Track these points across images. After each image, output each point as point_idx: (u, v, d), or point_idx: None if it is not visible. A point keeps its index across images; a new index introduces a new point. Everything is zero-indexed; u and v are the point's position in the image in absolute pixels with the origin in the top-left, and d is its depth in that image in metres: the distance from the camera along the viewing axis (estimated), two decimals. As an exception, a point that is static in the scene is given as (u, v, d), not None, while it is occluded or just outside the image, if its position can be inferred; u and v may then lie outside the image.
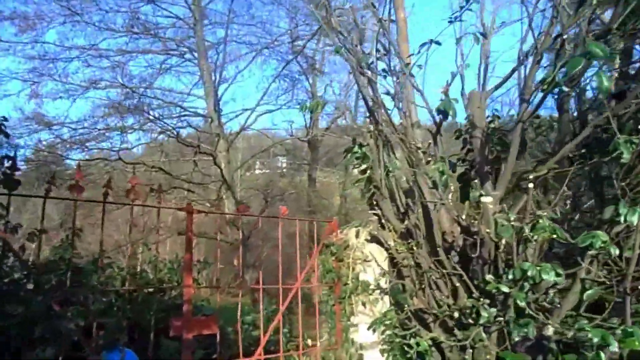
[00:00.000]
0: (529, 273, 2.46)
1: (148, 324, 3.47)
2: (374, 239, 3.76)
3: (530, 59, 3.08)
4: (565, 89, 2.58)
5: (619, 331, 2.35)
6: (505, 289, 2.58)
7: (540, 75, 2.94)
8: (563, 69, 2.52)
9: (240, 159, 17.13)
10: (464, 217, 3.24)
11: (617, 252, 2.41)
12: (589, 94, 3.48)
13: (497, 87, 3.54)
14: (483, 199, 2.80)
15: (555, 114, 3.71)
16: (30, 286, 2.83)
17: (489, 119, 3.77)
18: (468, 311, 2.90)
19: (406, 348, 3.17)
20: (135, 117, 13.23)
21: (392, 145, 3.64)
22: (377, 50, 3.35)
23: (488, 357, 2.75)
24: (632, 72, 3.15)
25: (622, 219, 2.33)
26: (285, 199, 15.88)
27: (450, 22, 3.28)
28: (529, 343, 2.83)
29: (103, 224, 3.02)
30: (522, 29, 3.16)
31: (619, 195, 2.52)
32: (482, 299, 2.78)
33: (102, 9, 12.70)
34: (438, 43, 3.23)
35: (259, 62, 18.22)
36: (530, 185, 2.49)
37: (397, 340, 3.26)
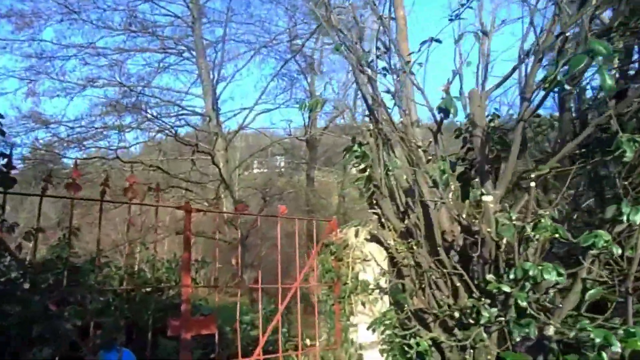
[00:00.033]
0: (531, 273, 2.45)
1: (146, 324, 3.44)
2: (374, 238, 3.74)
3: (531, 58, 3.07)
4: (567, 87, 2.55)
5: (621, 331, 2.33)
6: (506, 289, 2.56)
7: (540, 74, 2.93)
8: (564, 68, 2.51)
9: (238, 158, 17.06)
10: (464, 216, 3.22)
11: (619, 251, 2.39)
12: (588, 93, 3.48)
13: (497, 86, 3.52)
14: (484, 198, 2.78)
15: (554, 114, 3.71)
16: (26, 285, 2.80)
17: (489, 118, 3.75)
18: (469, 311, 2.88)
19: (406, 348, 3.15)
20: (133, 115, 13.20)
21: (391, 144, 3.62)
22: (377, 48, 3.33)
23: (489, 357, 2.73)
24: (632, 72, 3.14)
25: (624, 218, 2.31)
26: (284, 198, 15.86)
27: (451, 20, 3.26)
28: (530, 343, 2.82)
29: (100, 223, 2.99)
30: (523, 27, 3.15)
31: (621, 194, 2.50)
32: (483, 299, 2.76)
33: (99, 7, 12.66)
34: (439, 41, 3.21)
35: (257, 61, 18.21)
36: (532, 184, 2.47)
37: (397, 340, 3.24)
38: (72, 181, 2.69)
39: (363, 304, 3.69)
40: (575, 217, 3.36)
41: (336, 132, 15.62)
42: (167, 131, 13.53)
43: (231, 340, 5.11)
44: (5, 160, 2.43)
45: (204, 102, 13.51)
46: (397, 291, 3.47)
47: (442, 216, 3.44)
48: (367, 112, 3.85)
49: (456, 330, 3.11)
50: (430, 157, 3.35)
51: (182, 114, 13.98)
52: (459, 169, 3.76)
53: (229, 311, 5.10)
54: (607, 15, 3.17)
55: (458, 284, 3.03)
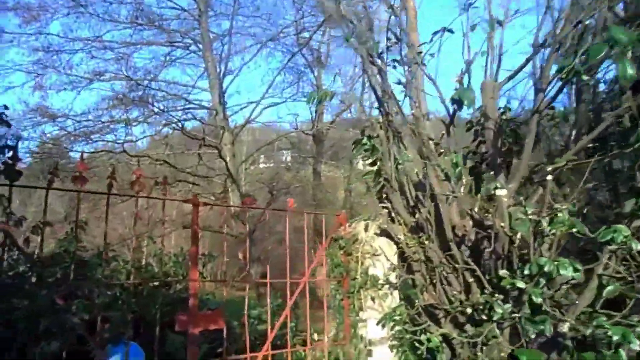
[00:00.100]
0: (546, 268, 2.39)
1: (153, 318, 3.41)
2: (384, 233, 3.69)
3: (545, 49, 2.99)
4: (584, 77, 2.47)
5: (639, 329, 2.27)
6: (521, 285, 2.50)
7: (554, 65, 2.85)
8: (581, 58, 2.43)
9: (245, 152, 17.03)
10: (476, 210, 3.16)
11: (639, 247, 2.33)
12: (601, 85, 3.40)
13: (510, 78, 3.45)
14: (498, 192, 2.71)
15: (567, 107, 3.63)
16: (34, 279, 2.78)
17: (501, 110, 3.68)
18: (481, 307, 2.82)
19: (416, 344, 3.11)
20: (139, 109, 13.16)
21: (401, 137, 3.56)
22: (388, 39, 3.26)
23: (502, 354, 2.67)
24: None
25: (645, 212, 2.24)
26: (291, 192, 15.81)
27: (464, 9, 3.19)
28: (542, 340, 2.76)
29: (107, 216, 2.95)
30: (537, 18, 3.07)
31: (640, 188, 2.43)
32: (496, 295, 2.70)
33: (106, 0, 12.59)
34: (451, 31, 3.14)
35: (264, 55, 18.12)
36: (549, 177, 2.41)
37: (407, 336, 3.20)
38: (78, 174, 2.65)
39: (372, 299, 3.64)
40: (586, 211, 3.29)
41: (343, 126, 15.51)
42: (173, 125, 13.49)
43: (238, 335, 5.08)
44: (11, 152, 2.40)
45: (210, 96, 13.45)
46: (407, 286, 3.42)
47: (453, 210, 3.38)
48: (376, 105, 3.79)
49: (467, 327, 3.06)
50: (442, 151, 3.29)
51: (188, 108, 13.92)
52: (470, 162, 3.70)
53: (236, 305, 5.07)
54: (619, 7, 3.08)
55: (471, 280, 2.97)
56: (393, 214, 3.56)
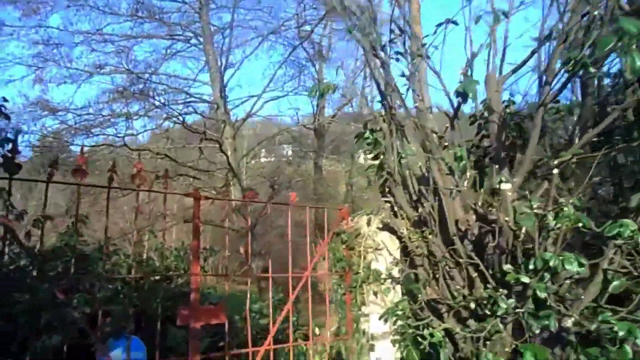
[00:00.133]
0: (551, 263, 2.37)
1: (155, 312, 3.40)
2: (386, 227, 3.66)
3: (550, 42, 2.94)
4: (592, 70, 2.43)
5: (645, 324, 2.25)
6: (525, 280, 2.48)
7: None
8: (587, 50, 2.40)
9: (246, 146, 16.99)
10: (479, 204, 3.13)
11: (645, 242, 2.30)
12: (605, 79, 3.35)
13: (514, 71, 3.40)
14: (503, 186, 2.68)
15: (572, 101, 3.59)
16: (34, 273, 2.77)
17: (505, 104, 3.65)
18: (485, 302, 2.80)
19: (419, 339, 3.09)
20: (140, 103, 13.12)
21: (404, 131, 3.52)
22: (391, 31, 3.22)
23: (506, 349, 2.65)
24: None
25: (652, 206, 2.21)
26: (292, 186, 15.79)
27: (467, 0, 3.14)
28: (546, 335, 2.74)
29: (108, 210, 2.93)
30: (543, 10, 3.02)
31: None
32: (500, 290, 2.68)
33: (106, -7, 12.54)
34: (455, 23, 3.10)
35: (265, 48, 18.01)
36: (555, 171, 2.37)
37: (410, 330, 3.18)
38: (78, 167, 2.63)
39: (375, 293, 3.62)
40: (590, 206, 3.26)
41: (344, 120, 15.45)
42: (174, 119, 13.45)
43: (240, 329, 5.07)
44: (10, 145, 2.37)
45: (211, 90, 13.39)
46: (409, 281, 3.40)
47: (456, 205, 3.35)
48: (378, 98, 3.75)
49: (470, 321, 3.04)
50: (446, 144, 3.25)
51: (189, 102, 13.86)
52: (472, 157, 3.67)
53: (237, 300, 5.06)
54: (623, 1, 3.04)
55: (474, 275, 2.95)
56: (396, 208, 3.54)
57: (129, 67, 12.78)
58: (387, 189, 3.60)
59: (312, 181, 16.56)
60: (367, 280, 3.64)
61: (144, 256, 4.61)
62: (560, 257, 2.36)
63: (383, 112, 3.60)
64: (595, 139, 2.90)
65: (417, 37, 3.11)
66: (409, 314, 3.27)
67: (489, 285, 2.82)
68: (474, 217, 3.20)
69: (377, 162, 3.65)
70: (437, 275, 3.22)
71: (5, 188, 2.52)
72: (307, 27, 14.18)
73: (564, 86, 2.71)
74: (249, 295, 3.45)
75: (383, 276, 3.61)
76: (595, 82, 3.22)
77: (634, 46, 2.02)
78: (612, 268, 2.57)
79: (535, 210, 2.45)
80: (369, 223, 3.73)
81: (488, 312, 2.77)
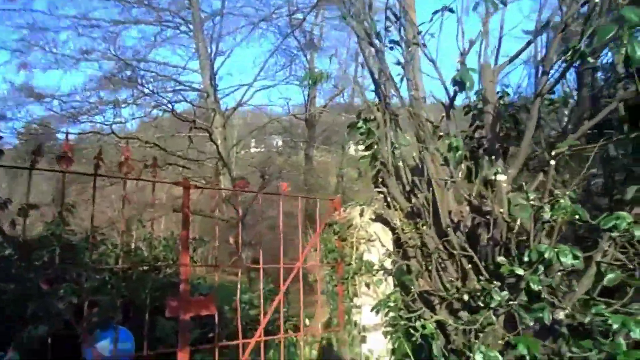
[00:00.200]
0: (546, 255, 2.34)
1: (143, 303, 3.35)
2: (379, 218, 3.63)
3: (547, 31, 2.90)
4: (590, 60, 2.40)
5: (639, 317, 2.24)
6: (519, 272, 2.46)
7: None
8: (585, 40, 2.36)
9: (236, 136, 16.82)
10: (473, 195, 3.10)
11: (640, 234, 2.28)
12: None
13: (511, 60, 3.36)
14: (498, 177, 2.65)
15: (567, 92, 3.56)
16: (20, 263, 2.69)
17: (499, 95, 3.61)
18: (478, 294, 2.78)
19: (411, 331, 3.07)
20: (129, 90, 12.90)
21: (398, 120, 3.47)
22: (387, 18, 3.15)
23: (500, 341, 2.64)
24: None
25: (649, 199, 2.19)
26: (282, 177, 15.71)
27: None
28: (538, 327, 2.73)
29: (94, 198, 2.85)
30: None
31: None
32: (493, 282, 2.66)
33: (93, -23, 12.27)
34: (451, 10, 3.03)
35: (256, 36, 17.74)
36: (552, 162, 2.34)
37: (402, 322, 3.16)
38: (63, 154, 2.54)
39: (367, 285, 3.60)
40: (583, 198, 3.25)
41: (336, 110, 15.36)
42: (164, 107, 13.25)
43: (230, 320, 5.04)
44: (-8, 130, 2.28)
45: (201, 78, 13.19)
46: (402, 272, 3.37)
47: (449, 196, 3.32)
48: (372, 88, 3.69)
49: (463, 313, 3.03)
50: (441, 134, 3.21)
51: (179, 90, 13.65)
52: (466, 148, 3.63)
53: (227, 290, 5.02)
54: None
55: (468, 266, 2.93)
56: (389, 199, 3.50)
57: (117, 54, 12.53)
58: (380, 180, 3.56)
59: (302, 172, 16.48)
60: (359, 271, 3.61)
61: (132, 246, 4.55)
62: (555, 250, 2.34)
63: (377, 101, 3.55)
64: (589, 131, 2.87)
65: (412, 24, 3.05)
66: (401, 306, 3.25)
67: (482, 277, 2.80)
68: (467, 208, 3.18)
69: (370, 152, 3.60)
70: (430, 267, 3.19)
71: (-13, 175, 2.43)
72: (299, 16, 14.01)
73: (561, 76, 2.67)
74: (239, 286, 3.40)
75: (375, 267, 3.58)
76: (591, 73, 3.19)
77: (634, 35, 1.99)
78: (606, 261, 2.56)
79: (531, 202, 2.43)
80: (361, 214, 3.69)
81: (481, 304, 2.75)
